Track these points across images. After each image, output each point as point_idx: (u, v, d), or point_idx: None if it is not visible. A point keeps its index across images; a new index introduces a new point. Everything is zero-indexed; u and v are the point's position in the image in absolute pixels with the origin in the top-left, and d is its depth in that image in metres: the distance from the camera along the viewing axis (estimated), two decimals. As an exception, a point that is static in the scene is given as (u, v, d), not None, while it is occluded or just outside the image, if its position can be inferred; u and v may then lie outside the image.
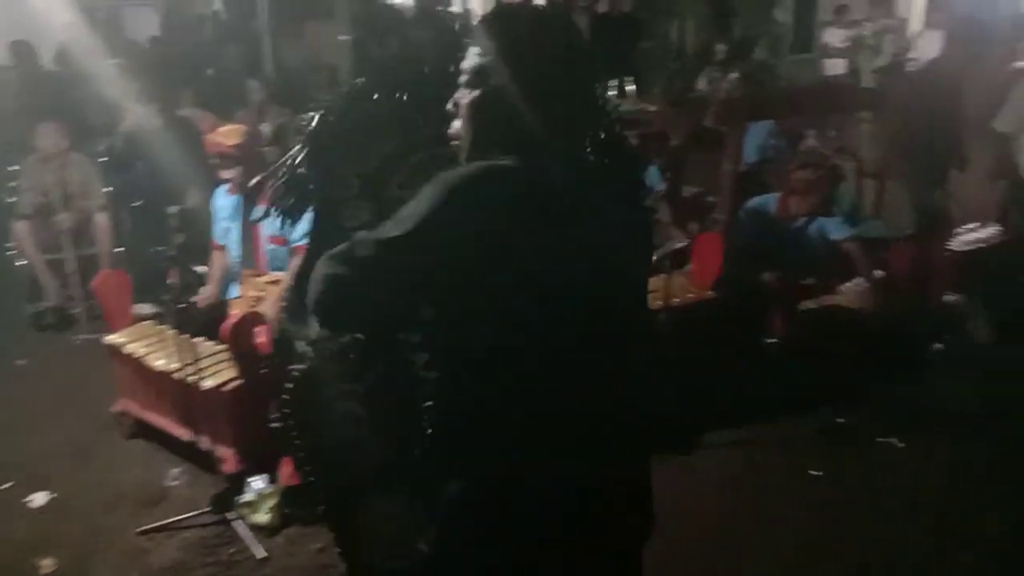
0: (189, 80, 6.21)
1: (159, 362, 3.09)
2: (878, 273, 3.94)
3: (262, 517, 2.80)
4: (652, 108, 5.25)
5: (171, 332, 3.22)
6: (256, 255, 3.50)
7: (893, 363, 3.71)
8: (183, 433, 3.06)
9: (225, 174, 3.44)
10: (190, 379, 2.85)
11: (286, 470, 2.89)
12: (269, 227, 3.48)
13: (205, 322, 3.22)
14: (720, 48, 6.87)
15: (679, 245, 3.35)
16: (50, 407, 3.68)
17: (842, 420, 3.36)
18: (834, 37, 8.86)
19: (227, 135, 3.38)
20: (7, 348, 4.31)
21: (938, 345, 3.92)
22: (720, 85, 6.22)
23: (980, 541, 2.66)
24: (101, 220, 4.66)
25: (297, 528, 2.80)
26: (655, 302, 3.22)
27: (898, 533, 2.72)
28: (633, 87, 5.37)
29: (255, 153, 3.46)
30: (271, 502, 2.82)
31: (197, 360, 2.85)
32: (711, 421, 3.32)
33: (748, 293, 3.75)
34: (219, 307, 3.41)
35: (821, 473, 3.05)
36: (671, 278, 3.12)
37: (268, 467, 2.92)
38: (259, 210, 3.47)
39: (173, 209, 3.31)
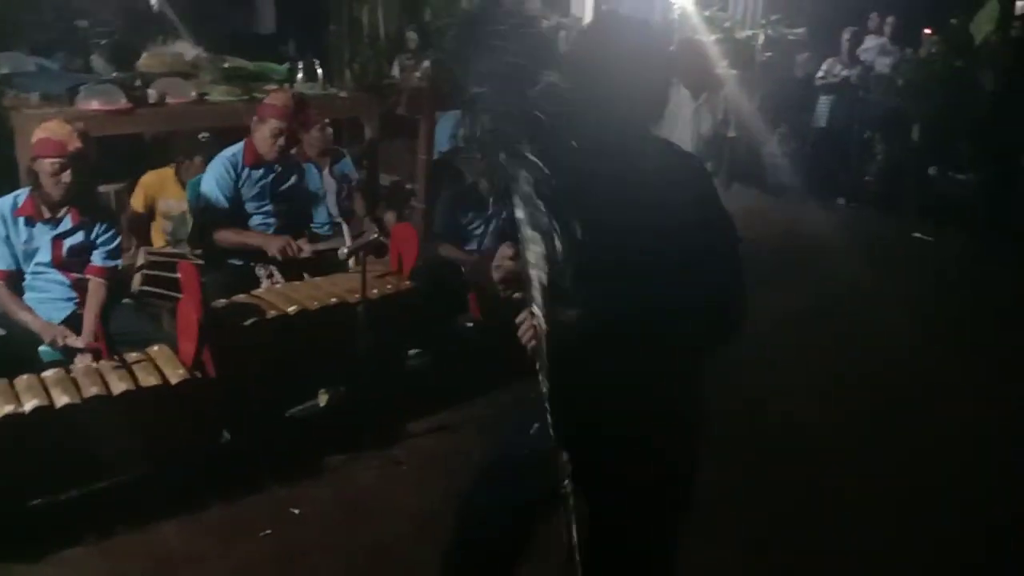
0: None
1: None
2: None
3: None
4: (343, 93, 5.11)
5: None
6: None
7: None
8: None
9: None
10: None
11: None
12: None
13: None
14: (411, 36, 6.90)
15: (373, 237, 3.28)
16: None
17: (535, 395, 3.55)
18: (515, 31, 9.38)
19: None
20: None
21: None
22: (412, 73, 6.25)
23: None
24: None
25: None
26: (352, 297, 3.15)
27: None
28: (321, 71, 5.17)
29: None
30: None
31: None
32: (415, 411, 3.34)
33: (446, 280, 3.81)
34: None
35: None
36: (365, 270, 3.05)
37: None
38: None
39: None
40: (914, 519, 2.90)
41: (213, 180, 3.49)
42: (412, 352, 3.73)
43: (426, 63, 6.40)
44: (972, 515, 2.92)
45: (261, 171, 3.55)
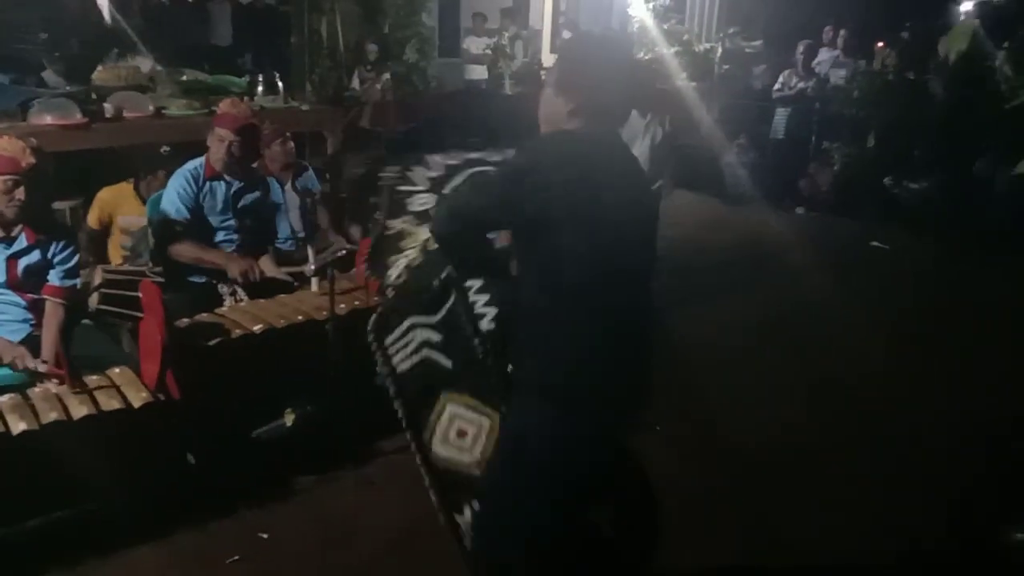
0: None
1: None
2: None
3: None
4: (304, 107, 5.05)
5: None
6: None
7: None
8: None
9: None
10: None
11: None
12: None
13: None
14: (371, 48, 6.87)
15: (341, 252, 3.23)
16: None
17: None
18: (473, 44, 9.40)
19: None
20: None
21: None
22: (374, 86, 6.21)
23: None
24: None
25: None
26: (320, 314, 3.09)
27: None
28: (281, 84, 5.11)
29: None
30: None
31: None
32: (386, 428, 3.28)
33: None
34: None
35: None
36: (333, 286, 3.00)
37: None
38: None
39: None
40: (885, 518, 2.93)
41: (174, 193, 3.42)
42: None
43: (386, 75, 6.39)
44: (939, 513, 2.97)
45: (223, 184, 3.49)
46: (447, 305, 1.93)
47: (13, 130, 3.39)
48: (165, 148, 3.93)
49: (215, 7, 8.80)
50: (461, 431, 1.97)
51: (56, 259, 2.93)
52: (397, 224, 1.96)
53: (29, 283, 2.90)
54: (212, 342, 2.86)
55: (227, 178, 3.50)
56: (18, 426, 2.37)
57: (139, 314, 2.88)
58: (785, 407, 3.75)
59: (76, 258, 3.00)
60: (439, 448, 2.00)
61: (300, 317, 3.09)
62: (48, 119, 3.83)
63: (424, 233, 1.93)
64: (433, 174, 1.98)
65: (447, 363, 1.96)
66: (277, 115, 4.55)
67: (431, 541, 2.72)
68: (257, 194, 3.64)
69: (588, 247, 1.67)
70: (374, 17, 7.33)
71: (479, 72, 9.06)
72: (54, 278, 2.93)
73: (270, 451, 3.12)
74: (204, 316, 3.03)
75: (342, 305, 3.17)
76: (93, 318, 3.20)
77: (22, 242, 2.88)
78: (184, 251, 3.41)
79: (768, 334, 4.58)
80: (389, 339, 1.98)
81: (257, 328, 2.97)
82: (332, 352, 3.03)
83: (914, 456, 3.35)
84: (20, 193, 2.78)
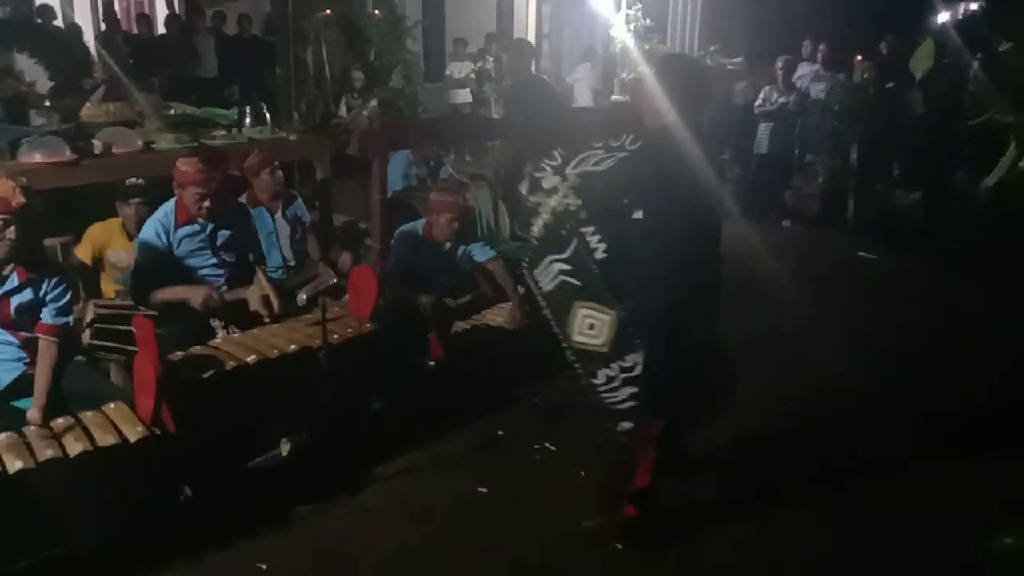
0: None
1: None
2: (520, 289, 4.25)
3: None
4: (292, 136, 5.08)
5: None
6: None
7: (536, 371, 4.02)
8: None
9: None
10: None
11: None
12: None
13: None
14: (357, 75, 6.92)
15: (331, 282, 3.25)
16: None
17: (501, 432, 3.56)
18: (456, 69, 9.49)
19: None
20: None
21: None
22: (361, 113, 6.25)
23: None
24: None
25: None
26: (313, 342, 3.11)
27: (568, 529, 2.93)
28: (268, 114, 5.14)
29: None
30: None
31: None
32: (381, 454, 3.30)
33: (405, 320, 3.80)
34: None
35: (486, 489, 3.18)
36: (325, 314, 3.02)
37: None
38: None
39: None
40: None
41: (147, 242, 3.48)
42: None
43: (373, 102, 6.43)
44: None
45: (196, 227, 3.55)
46: (572, 245, 2.80)
47: (2, 169, 3.41)
48: (132, 180, 3.91)
49: (200, 39, 8.87)
50: (591, 325, 2.80)
51: (48, 297, 2.94)
52: (535, 198, 2.79)
53: (22, 321, 2.91)
54: (206, 374, 2.87)
55: (200, 221, 3.54)
56: (14, 464, 2.38)
57: (132, 348, 2.89)
58: (776, 417, 3.78)
59: (68, 295, 3.01)
60: (577, 337, 2.83)
61: (293, 347, 3.10)
62: (37, 157, 3.84)
63: (552, 202, 2.76)
64: (555, 163, 2.78)
65: (577, 282, 2.82)
66: (265, 145, 4.58)
67: (427, 566, 2.75)
68: (235, 230, 3.69)
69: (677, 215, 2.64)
70: (359, 45, 7.39)
71: (463, 96, 9.15)
72: (47, 316, 2.93)
73: (266, 481, 3.13)
74: (197, 349, 3.05)
75: (335, 334, 3.19)
76: (85, 354, 3.20)
77: (14, 281, 2.89)
78: (156, 297, 3.44)
79: (760, 344, 4.61)
80: (537, 271, 2.87)
81: (251, 359, 2.98)
82: (325, 380, 3.05)
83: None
84: (11, 232, 2.80)
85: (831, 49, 8.22)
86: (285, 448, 3.24)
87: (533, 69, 9.01)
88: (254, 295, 3.51)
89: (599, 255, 2.81)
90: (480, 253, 4.25)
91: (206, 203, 3.48)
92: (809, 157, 7.81)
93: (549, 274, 2.86)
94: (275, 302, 3.46)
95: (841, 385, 4.10)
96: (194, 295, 3.42)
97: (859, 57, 7.99)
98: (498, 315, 4.26)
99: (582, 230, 2.82)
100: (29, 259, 2.93)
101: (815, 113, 7.57)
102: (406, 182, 5.52)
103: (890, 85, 7.17)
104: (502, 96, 7.88)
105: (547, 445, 3.49)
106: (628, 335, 2.77)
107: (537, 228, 2.85)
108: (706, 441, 3.22)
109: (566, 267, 2.83)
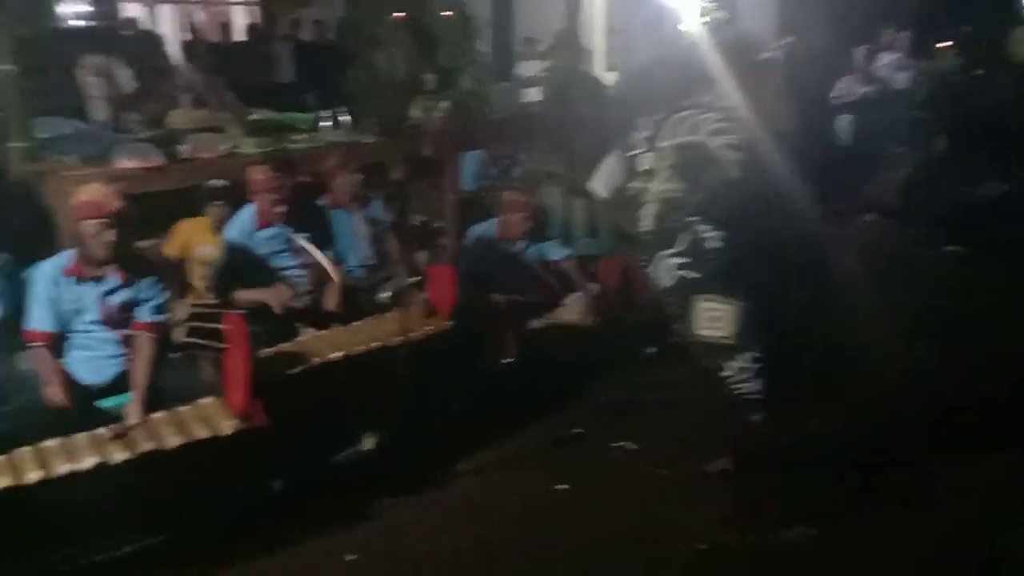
0: None
1: None
2: (593, 287, 4.24)
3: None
4: (369, 140, 5.19)
5: None
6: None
7: (614, 368, 4.00)
8: None
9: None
10: None
11: None
12: None
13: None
14: (429, 77, 7.01)
15: (412, 280, 3.31)
16: None
17: (579, 430, 3.55)
18: (526, 68, 9.48)
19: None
20: None
21: (650, 348, 4.30)
22: (433, 114, 6.32)
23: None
24: None
25: None
26: (394, 340, 3.17)
27: (644, 530, 2.90)
28: (348, 118, 5.26)
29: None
30: None
31: None
32: (461, 452, 3.34)
33: (480, 318, 3.83)
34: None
35: (567, 486, 3.18)
36: (407, 312, 3.08)
37: None
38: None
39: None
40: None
41: (229, 243, 3.64)
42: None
43: (444, 104, 6.50)
44: None
45: (275, 230, 3.70)
46: (688, 237, 2.71)
47: (99, 174, 3.59)
48: (214, 181, 4.06)
49: (278, 46, 9.11)
50: (714, 317, 2.73)
51: (144, 296, 3.08)
52: (635, 185, 2.72)
53: (120, 319, 3.05)
54: (294, 370, 2.96)
55: (279, 225, 3.69)
56: (117, 456, 2.49)
57: (222, 345, 3.00)
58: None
59: (163, 295, 3.14)
60: (701, 331, 2.77)
61: (376, 344, 3.17)
62: (130, 163, 4.02)
63: (655, 186, 2.69)
64: (646, 134, 2.72)
65: (695, 275, 2.74)
66: (342, 148, 4.69)
67: (509, 563, 2.76)
68: (312, 231, 3.81)
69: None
70: (430, 47, 7.47)
71: (534, 95, 9.13)
72: (144, 314, 3.07)
73: (351, 475, 3.20)
74: (285, 345, 3.14)
75: (415, 332, 3.25)
76: (180, 351, 3.33)
77: (113, 281, 3.03)
78: (240, 297, 3.58)
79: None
80: (653, 267, 2.84)
81: (336, 356, 3.06)
82: (405, 377, 3.10)
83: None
84: (110, 235, 2.94)
85: (913, 37, 7.92)
86: (368, 443, 3.31)
87: (587, 65, 8.98)
88: (330, 293, 3.62)
89: (713, 244, 2.70)
90: (553, 251, 4.26)
91: (281, 208, 3.62)
92: (893, 148, 7.54)
93: (666, 269, 2.79)
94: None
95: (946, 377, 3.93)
96: (273, 297, 3.52)
97: (944, 44, 7.68)
98: (572, 313, 4.25)
99: (690, 219, 2.71)
100: (126, 260, 3.06)
101: (898, 103, 7.31)
102: (479, 182, 5.55)
103: (978, 72, 6.87)
104: (549, 93, 7.86)
105: (625, 444, 3.47)
106: (753, 324, 2.68)
107: (645, 222, 2.76)
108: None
109: (681, 260, 2.75)
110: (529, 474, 3.27)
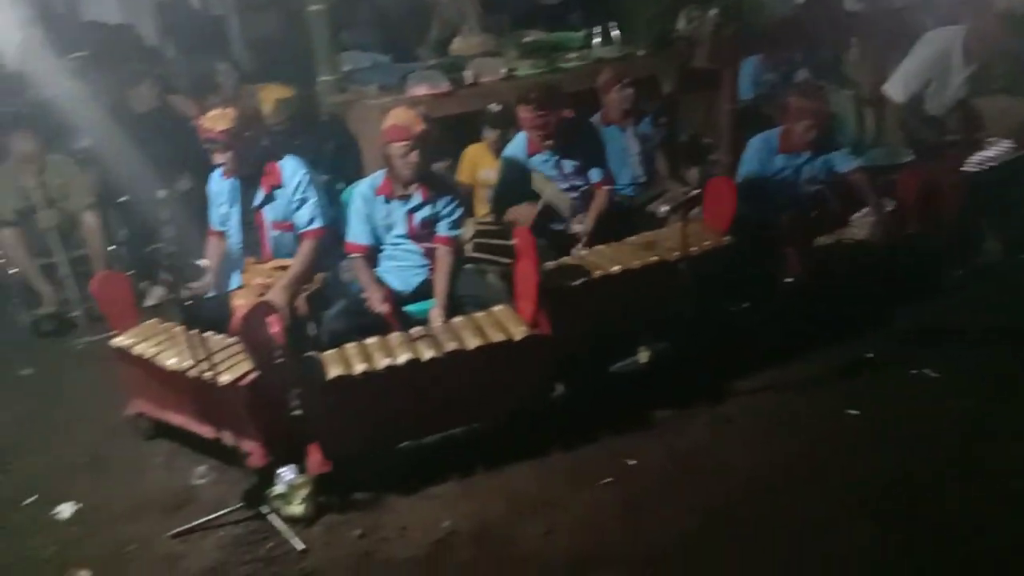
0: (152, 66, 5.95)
1: (171, 360, 2.99)
2: (887, 202, 3.88)
3: (296, 508, 2.74)
4: (640, 52, 5.10)
5: (179, 328, 3.12)
6: (261, 242, 3.41)
7: (911, 291, 3.68)
8: (205, 431, 2.98)
9: (218, 159, 3.32)
10: (206, 375, 2.75)
11: (314, 458, 2.83)
12: (272, 212, 3.37)
13: (213, 315, 3.12)
14: (697, -17, 6.69)
15: (693, 193, 3.25)
16: (62, 415, 3.60)
17: (871, 355, 3.33)
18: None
19: (215, 120, 3.24)
20: (11, 358, 4.21)
21: (956, 269, 3.89)
22: (703, 24, 6.04)
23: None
24: (89, 220, 4.50)
25: (333, 516, 2.75)
26: (672, 255, 3.16)
27: (945, 463, 2.70)
28: (617, 32, 5.20)
29: (247, 137, 3.33)
30: (304, 492, 2.76)
31: (210, 355, 2.75)
32: (742, 368, 3.29)
33: (762, 234, 3.68)
34: (226, 299, 3.32)
35: (858, 412, 3.03)
36: (686, 226, 3.04)
37: (295, 458, 2.86)
38: (260, 194, 3.37)
39: (162, 193, 3.15)
40: None
41: (504, 167, 3.89)
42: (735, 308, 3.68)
43: (712, 11, 6.17)
44: None
45: (545, 156, 3.81)
46: None
47: (399, 101, 3.91)
48: (492, 106, 4.24)
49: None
50: None
51: (443, 212, 3.35)
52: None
53: (424, 234, 3.36)
54: (576, 282, 3.07)
55: (552, 152, 3.80)
56: (427, 353, 2.79)
57: (506, 259, 3.19)
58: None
59: (460, 211, 3.40)
60: None
61: (654, 258, 3.19)
62: (422, 89, 4.33)
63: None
64: None
65: None
66: (614, 64, 4.66)
67: (790, 481, 2.71)
68: (581, 154, 3.89)
69: None
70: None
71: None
72: (443, 228, 3.35)
73: (629, 385, 3.30)
74: (568, 259, 3.27)
75: (694, 247, 3.21)
76: (473, 263, 3.60)
77: (418, 199, 3.33)
78: (515, 213, 3.80)
79: None
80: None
81: (615, 269, 3.13)
82: (685, 291, 3.09)
83: None
84: (414, 156, 3.21)
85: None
86: (644, 356, 3.37)
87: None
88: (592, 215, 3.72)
89: None
90: (842, 162, 3.94)
91: (549, 141, 3.72)
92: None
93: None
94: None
95: None
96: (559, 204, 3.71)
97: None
98: (861, 229, 3.94)
99: None
100: (427, 179, 3.34)
101: None
102: (756, 90, 5.25)
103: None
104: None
105: (926, 371, 3.20)
106: None
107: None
108: None
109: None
110: (820, 395, 3.15)
